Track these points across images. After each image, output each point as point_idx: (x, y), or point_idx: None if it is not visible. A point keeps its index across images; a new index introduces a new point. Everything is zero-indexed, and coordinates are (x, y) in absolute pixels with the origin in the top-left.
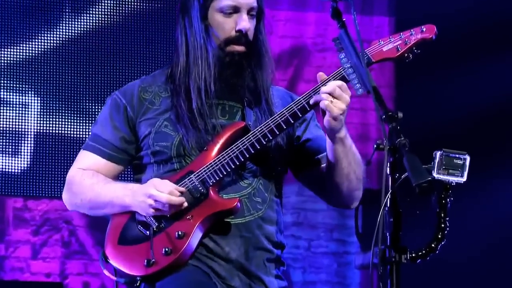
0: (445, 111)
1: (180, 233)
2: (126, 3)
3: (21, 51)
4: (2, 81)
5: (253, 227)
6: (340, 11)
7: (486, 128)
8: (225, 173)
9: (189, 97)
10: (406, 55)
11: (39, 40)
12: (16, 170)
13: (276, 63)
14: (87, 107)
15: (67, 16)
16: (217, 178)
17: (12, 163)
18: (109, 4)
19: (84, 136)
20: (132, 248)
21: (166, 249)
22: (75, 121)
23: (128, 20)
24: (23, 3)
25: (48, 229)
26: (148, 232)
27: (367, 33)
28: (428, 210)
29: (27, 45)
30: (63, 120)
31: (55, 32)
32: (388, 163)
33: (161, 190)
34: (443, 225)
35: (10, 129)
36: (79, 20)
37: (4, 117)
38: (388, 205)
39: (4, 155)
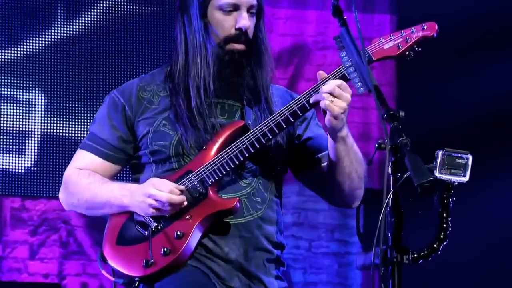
0: (447, 110)
1: (179, 233)
2: (126, 2)
3: (25, 49)
4: (8, 80)
5: (252, 227)
6: (341, 9)
7: (488, 128)
8: (224, 172)
9: (188, 96)
10: (407, 53)
11: (40, 40)
12: (20, 170)
13: (276, 62)
14: (93, 108)
15: (81, 12)
16: (216, 178)
17: (16, 162)
18: (110, 3)
19: None
20: (130, 248)
21: (165, 250)
22: (81, 122)
23: (129, 20)
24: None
25: (46, 229)
26: (146, 232)
27: (368, 31)
28: (430, 210)
29: (30, 45)
30: (68, 121)
31: (57, 32)
32: (390, 163)
33: (161, 189)
34: (445, 225)
35: (15, 128)
36: (85, 17)
37: (10, 115)
38: (390, 205)
39: (8, 154)
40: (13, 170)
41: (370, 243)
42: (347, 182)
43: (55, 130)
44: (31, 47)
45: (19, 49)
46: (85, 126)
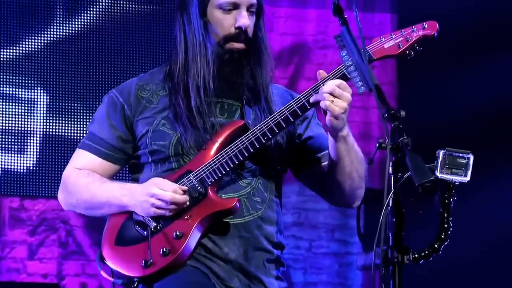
0: (448, 109)
1: (178, 233)
2: (126, 1)
3: (25, 49)
4: (9, 79)
5: (252, 227)
6: (342, 7)
7: (489, 127)
8: (224, 172)
9: (188, 95)
10: (407, 52)
11: (39, 39)
12: (21, 169)
13: (276, 61)
14: (93, 108)
15: (77, 11)
16: (216, 178)
17: (17, 162)
18: (109, 2)
19: None
20: (129, 248)
21: (164, 250)
22: (81, 122)
23: (128, 19)
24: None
25: (45, 229)
26: (145, 233)
27: (369, 30)
28: (431, 210)
29: (30, 44)
30: (69, 121)
31: (56, 31)
32: (391, 162)
33: (165, 189)
34: (446, 225)
35: (17, 127)
36: (85, 16)
37: (11, 115)
38: (391, 205)
39: (9, 153)
40: (14, 170)
41: (370, 243)
42: (348, 181)
43: (56, 130)
44: (30, 46)
45: (18, 48)
46: (85, 126)
